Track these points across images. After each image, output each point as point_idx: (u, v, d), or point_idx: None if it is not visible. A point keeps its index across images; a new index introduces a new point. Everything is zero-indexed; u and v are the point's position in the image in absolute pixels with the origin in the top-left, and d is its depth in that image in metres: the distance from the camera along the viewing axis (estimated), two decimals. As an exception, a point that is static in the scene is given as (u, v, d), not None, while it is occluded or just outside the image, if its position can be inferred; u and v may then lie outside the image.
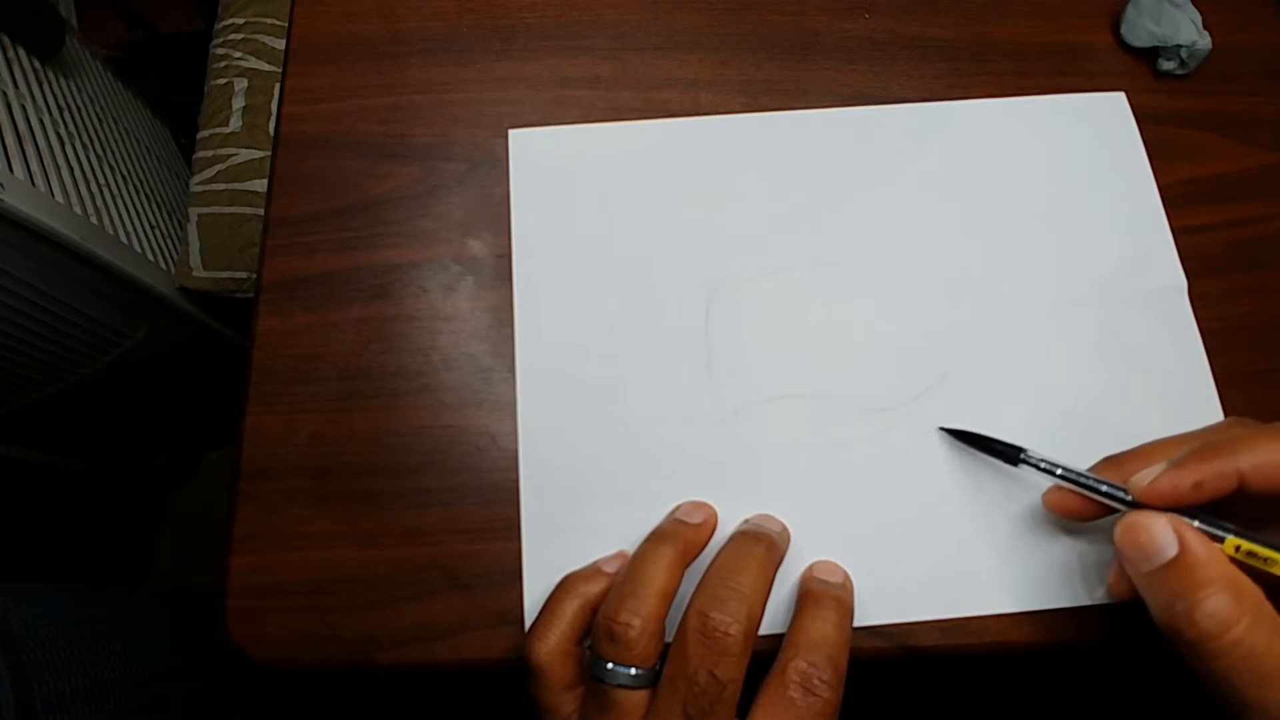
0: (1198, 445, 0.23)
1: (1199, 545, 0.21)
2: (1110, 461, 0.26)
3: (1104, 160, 0.34)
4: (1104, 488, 0.25)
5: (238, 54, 0.76)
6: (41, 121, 0.67)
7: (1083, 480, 0.25)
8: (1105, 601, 0.28)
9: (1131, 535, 0.22)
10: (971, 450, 0.29)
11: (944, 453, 0.30)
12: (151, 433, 0.94)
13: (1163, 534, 0.22)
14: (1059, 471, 0.26)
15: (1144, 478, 0.23)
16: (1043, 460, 0.26)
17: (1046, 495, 0.27)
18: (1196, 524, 0.22)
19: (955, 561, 0.28)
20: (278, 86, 0.68)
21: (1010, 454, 0.27)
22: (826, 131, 0.35)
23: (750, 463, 0.30)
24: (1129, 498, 0.24)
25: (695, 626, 0.23)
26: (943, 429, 0.30)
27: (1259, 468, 0.22)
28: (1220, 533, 0.22)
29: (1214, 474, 0.22)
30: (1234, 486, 0.22)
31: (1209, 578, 0.20)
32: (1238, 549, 0.22)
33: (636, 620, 0.23)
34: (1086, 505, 0.26)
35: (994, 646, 0.28)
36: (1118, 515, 0.24)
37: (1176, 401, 0.31)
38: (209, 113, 0.75)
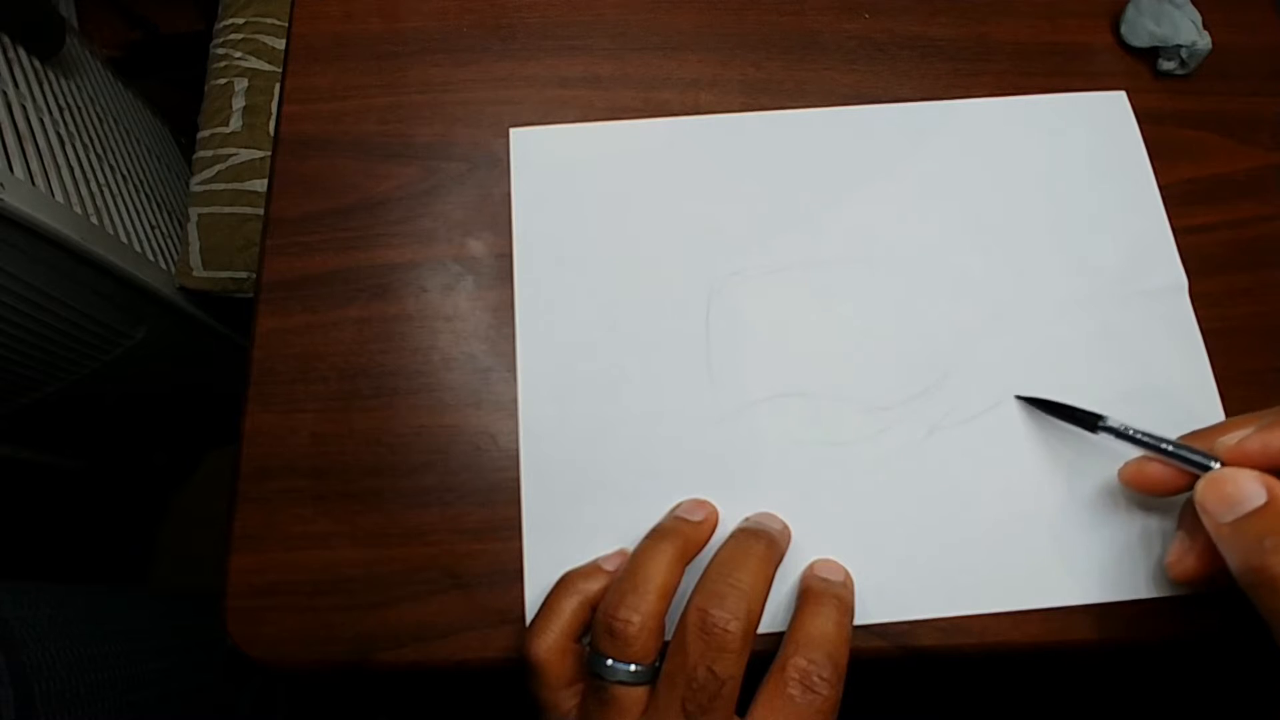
0: None
1: None
2: (1190, 435, 0.26)
3: (1104, 160, 0.34)
4: (1188, 453, 0.24)
5: (238, 54, 0.76)
6: (41, 121, 0.67)
7: (1166, 447, 0.25)
8: (1112, 599, 0.28)
9: (1217, 488, 0.22)
10: (980, 447, 0.29)
11: (945, 451, 0.30)
12: (151, 433, 0.94)
13: (1250, 484, 0.22)
14: (1140, 438, 0.26)
15: (1232, 438, 0.24)
16: (1123, 426, 0.26)
17: (1125, 468, 0.27)
18: None
19: (956, 560, 0.28)
20: (278, 86, 0.68)
21: (1089, 421, 0.27)
22: (826, 131, 0.35)
23: (751, 461, 0.30)
24: (1213, 463, 0.24)
25: (695, 622, 0.23)
26: (1019, 397, 0.30)
27: None
28: None
29: None
30: None
31: None
32: None
33: (636, 616, 0.23)
34: (1167, 475, 0.25)
35: (994, 646, 0.28)
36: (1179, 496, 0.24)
37: (1176, 401, 0.31)
38: (209, 113, 0.75)
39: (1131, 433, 0.26)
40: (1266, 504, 0.21)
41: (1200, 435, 0.26)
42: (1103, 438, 0.27)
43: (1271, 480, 0.22)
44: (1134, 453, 0.26)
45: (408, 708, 0.56)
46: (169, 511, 0.99)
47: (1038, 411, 0.30)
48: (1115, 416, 0.27)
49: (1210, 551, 0.24)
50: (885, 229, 0.33)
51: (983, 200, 0.34)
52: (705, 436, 0.30)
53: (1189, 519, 0.25)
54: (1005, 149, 0.35)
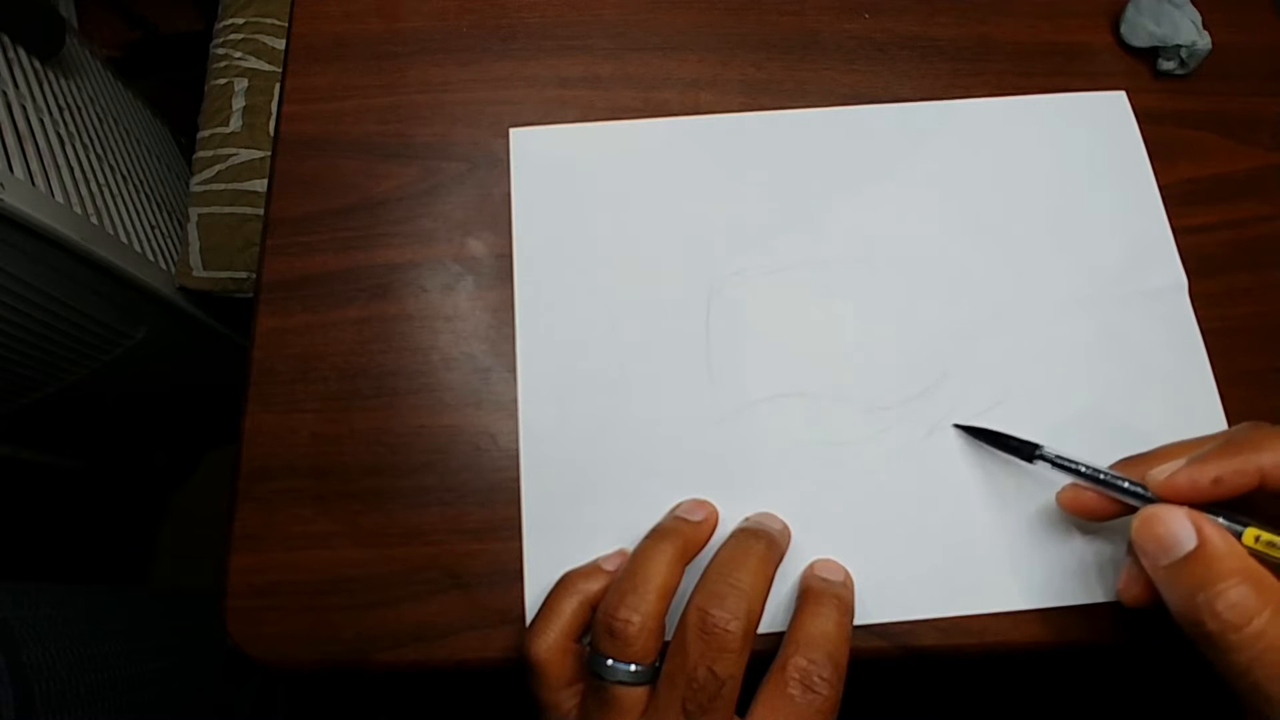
0: (1218, 443, 0.23)
1: (1218, 538, 0.21)
2: (1127, 462, 0.26)
3: (1104, 160, 0.34)
4: (1122, 484, 0.25)
5: (238, 54, 0.76)
6: (41, 121, 0.67)
7: (1099, 476, 0.25)
8: (1110, 599, 0.28)
9: (1149, 529, 0.22)
10: (980, 447, 0.29)
11: (944, 451, 0.30)
12: (151, 433, 0.94)
13: (1180, 527, 0.22)
14: (1074, 467, 0.26)
15: (1162, 472, 0.23)
16: (1058, 456, 0.26)
17: (1061, 494, 0.27)
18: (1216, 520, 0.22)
19: (955, 560, 0.28)
20: (278, 86, 0.68)
21: (1025, 450, 0.27)
22: (826, 131, 0.35)
23: (750, 461, 0.30)
24: (1147, 494, 0.24)
25: (695, 622, 0.23)
26: (957, 425, 0.30)
27: None
28: (1238, 526, 0.22)
29: (1234, 470, 0.22)
30: (1254, 484, 0.22)
31: (1230, 569, 0.20)
32: (1257, 539, 0.22)
33: (636, 616, 0.23)
34: (1102, 503, 0.26)
35: (994, 646, 0.28)
36: (1130, 516, 0.24)
37: (1176, 401, 0.31)
38: (209, 113, 0.75)
39: (1066, 463, 0.26)
40: (1197, 549, 0.21)
41: (1133, 464, 0.25)
42: (1040, 467, 0.27)
43: (1201, 520, 0.22)
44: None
45: (408, 708, 0.56)
46: (169, 511, 0.99)
47: (1037, 411, 0.30)
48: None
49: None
50: (885, 229, 0.33)
51: (982, 200, 0.34)
52: (705, 436, 0.30)
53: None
54: (1005, 149, 0.35)
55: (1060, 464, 0.26)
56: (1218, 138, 0.35)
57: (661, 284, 0.32)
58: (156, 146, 0.91)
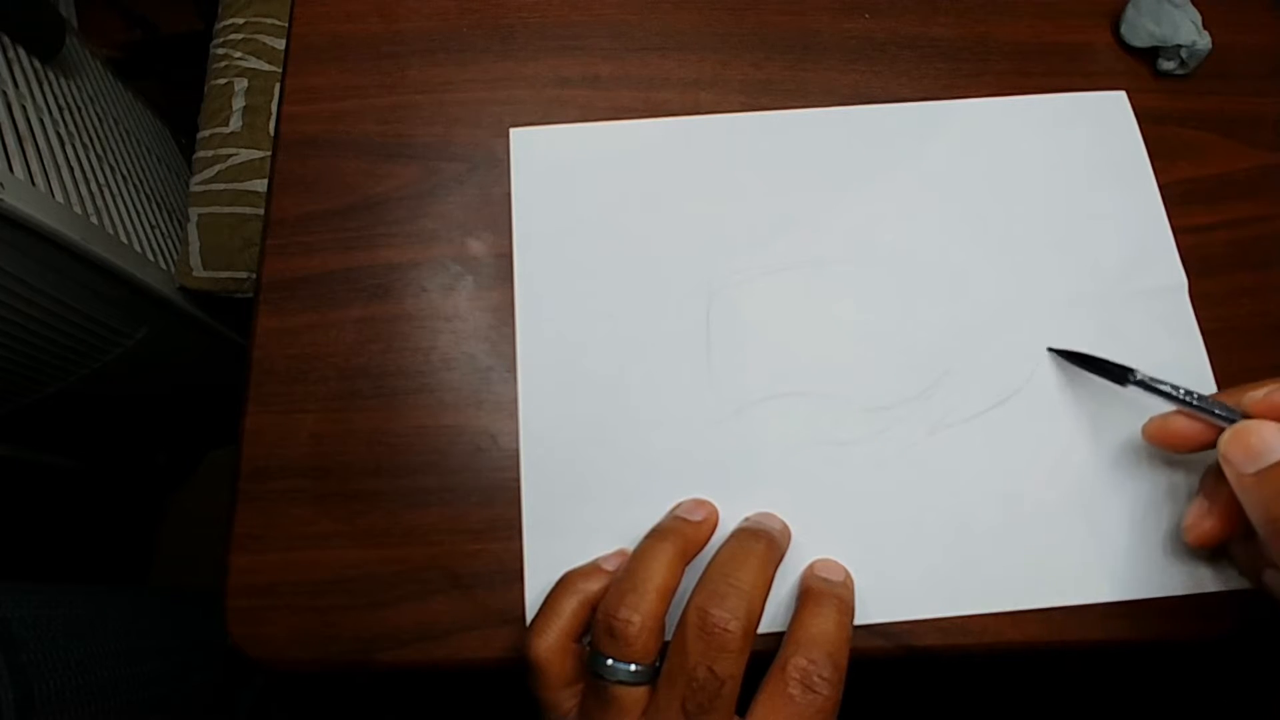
0: None
1: None
2: (1217, 394, 0.26)
3: (1105, 159, 0.34)
4: (1213, 408, 0.25)
5: (238, 54, 0.76)
6: (41, 121, 0.67)
7: (1192, 401, 0.25)
8: (1112, 599, 0.28)
9: (1241, 439, 0.23)
10: (979, 446, 0.30)
11: (945, 451, 0.30)
12: (151, 433, 0.94)
13: (1274, 436, 0.22)
14: (1169, 390, 0.26)
15: (1259, 393, 0.24)
16: (1151, 379, 0.27)
17: (1148, 425, 0.27)
18: None
19: (956, 560, 0.28)
20: (278, 86, 0.68)
21: (1119, 374, 0.28)
22: (826, 131, 0.35)
23: (751, 461, 0.30)
24: (1240, 417, 0.24)
25: (695, 622, 0.23)
26: (1051, 349, 0.30)
27: None
28: None
29: None
30: None
31: None
32: None
33: (636, 616, 0.23)
34: (1191, 429, 0.26)
35: (994, 646, 0.28)
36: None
37: (1176, 401, 0.31)
38: (209, 113, 0.75)
39: (1160, 385, 0.26)
40: None
41: (1227, 393, 0.26)
42: (1132, 390, 0.27)
43: None
44: (1152, 412, 0.27)
45: (408, 708, 0.56)
46: (169, 511, 0.99)
47: (1038, 410, 0.30)
48: (1144, 370, 0.27)
49: (1227, 515, 0.24)
50: (885, 229, 0.33)
51: (982, 200, 0.34)
52: (706, 436, 0.30)
53: (1210, 482, 0.26)
54: (1005, 149, 0.35)
55: (1153, 386, 0.27)
56: (1218, 138, 0.35)
57: (661, 284, 0.32)
58: (156, 146, 0.91)
